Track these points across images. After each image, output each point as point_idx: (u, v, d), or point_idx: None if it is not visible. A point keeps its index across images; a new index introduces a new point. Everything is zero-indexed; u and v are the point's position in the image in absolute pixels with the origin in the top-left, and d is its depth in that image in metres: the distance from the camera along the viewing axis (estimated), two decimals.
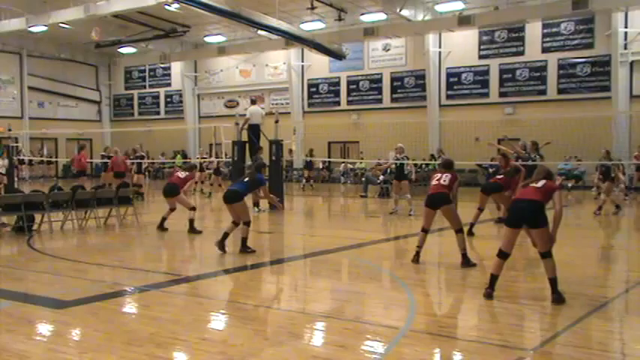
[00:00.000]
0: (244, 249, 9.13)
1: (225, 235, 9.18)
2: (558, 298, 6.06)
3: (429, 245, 9.00)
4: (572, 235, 12.33)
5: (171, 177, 12.84)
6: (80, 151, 18.53)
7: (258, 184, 9.57)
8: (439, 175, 8.42)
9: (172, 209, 11.82)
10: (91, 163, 25.02)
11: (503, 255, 6.27)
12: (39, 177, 31.68)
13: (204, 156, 23.75)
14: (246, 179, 9.53)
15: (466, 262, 8.03)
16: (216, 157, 21.01)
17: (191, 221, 11.52)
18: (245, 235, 9.15)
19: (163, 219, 11.78)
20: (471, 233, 10.82)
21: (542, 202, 6.18)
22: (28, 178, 30.28)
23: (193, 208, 11.70)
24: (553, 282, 6.12)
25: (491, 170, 25.61)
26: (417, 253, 8.29)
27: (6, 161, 22.37)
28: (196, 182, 21.36)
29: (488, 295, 6.25)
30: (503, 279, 7.24)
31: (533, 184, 6.37)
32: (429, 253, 8.94)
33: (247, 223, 9.15)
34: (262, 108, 18.50)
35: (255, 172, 9.69)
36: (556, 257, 6.20)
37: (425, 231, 8.34)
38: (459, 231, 8.16)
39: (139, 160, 19.29)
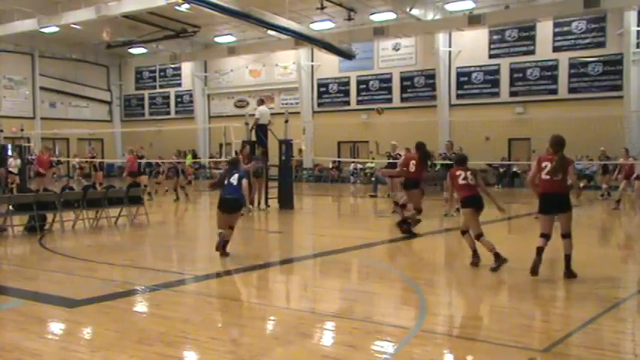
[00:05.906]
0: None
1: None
2: (569, 274, 6.99)
3: (439, 246, 8.98)
4: (583, 235, 12.25)
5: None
6: (44, 152, 18.38)
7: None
8: (462, 172, 7.93)
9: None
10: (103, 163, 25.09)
11: (544, 236, 7.07)
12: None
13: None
14: None
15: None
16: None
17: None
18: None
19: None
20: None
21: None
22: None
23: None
24: (568, 258, 7.02)
25: (501, 170, 25.62)
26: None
27: (18, 161, 22.44)
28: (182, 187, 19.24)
29: (536, 267, 6.95)
30: (513, 280, 7.23)
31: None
32: (438, 253, 8.91)
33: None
34: (271, 108, 18.46)
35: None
36: None
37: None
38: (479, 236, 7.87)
39: (139, 161, 19.52)
